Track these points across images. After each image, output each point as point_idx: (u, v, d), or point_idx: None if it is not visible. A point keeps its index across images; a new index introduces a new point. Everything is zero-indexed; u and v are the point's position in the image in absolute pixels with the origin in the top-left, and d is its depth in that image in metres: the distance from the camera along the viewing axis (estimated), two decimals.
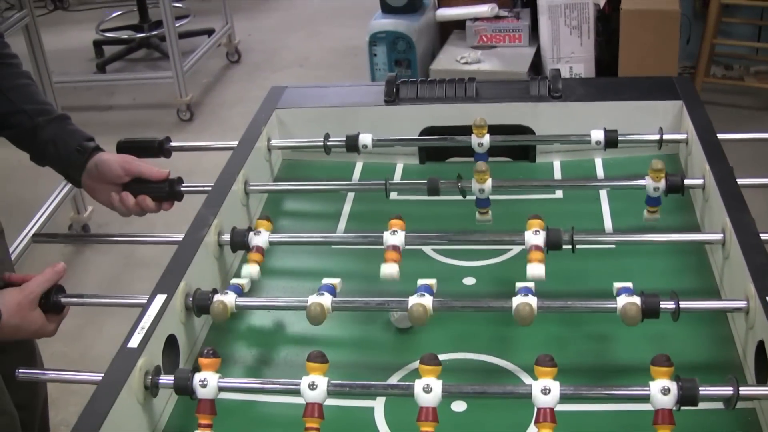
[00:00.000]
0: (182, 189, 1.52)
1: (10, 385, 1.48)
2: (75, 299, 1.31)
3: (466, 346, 1.24)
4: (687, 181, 1.45)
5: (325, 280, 1.22)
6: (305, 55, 5.18)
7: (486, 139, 1.57)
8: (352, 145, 1.62)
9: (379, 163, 1.75)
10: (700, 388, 0.98)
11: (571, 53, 3.65)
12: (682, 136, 1.61)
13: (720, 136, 1.52)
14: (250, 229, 1.39)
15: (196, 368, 1.07)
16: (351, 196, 1.65)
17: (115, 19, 5.63)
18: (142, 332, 1.13)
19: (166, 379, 1.09)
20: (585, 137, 1.58)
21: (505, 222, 1.36)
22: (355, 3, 5.34)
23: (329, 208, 1.63)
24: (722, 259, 1.31)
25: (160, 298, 1.19)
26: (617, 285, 1.17)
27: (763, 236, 1.24)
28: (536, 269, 1.23)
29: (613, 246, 1.42)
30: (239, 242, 1.37)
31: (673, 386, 0.97)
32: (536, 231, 1.28)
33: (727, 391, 1.00)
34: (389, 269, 1.28)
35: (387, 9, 3.81)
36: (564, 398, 0.99)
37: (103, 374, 1.09)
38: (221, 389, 1.06)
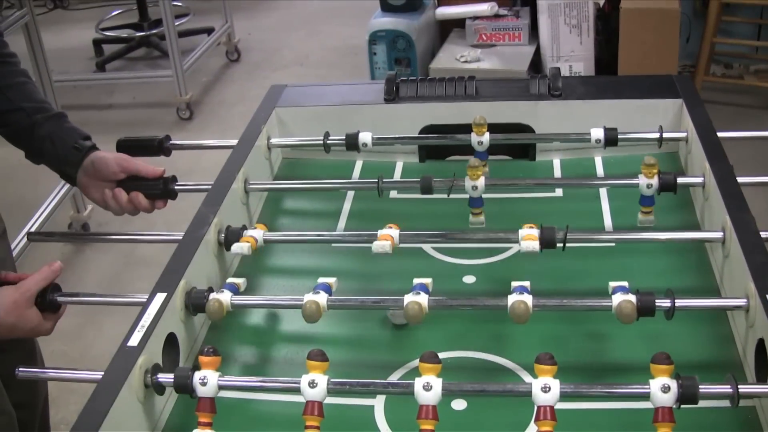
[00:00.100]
0: (182, 188, 1.52)
1: (10, 384, 1.48)
2: (71, 298, 1.30)
3: (466, 344, 1.24)
4: (687, 180, 1.46)
5: (321, 279, 1.22)
6: (305, 53, 5.18)
7: (486, 137, 1.57)
8: (351, 143, 1.62)
9: (379, 161, 1.75)
10: (700, 387, 0.98)
11: (571, 52, 3.65)
12: (682, 135, 1.61)
13: (720, 134, 1.52)
14: (245, 228, 1.39)
15: (196, 367, 1.07)
16: (351, 194, 1.65)
17: (114, 17, 5.63)
18: (142, 331, 1.13)
19: (166, 377, 1.09)
20: (585, 136, 1.58)
21: (504, 220, 1.36)
22: (355, 2, 5.34)
23: (329, 206, 1.63)
24: (722, 258, 1.31)
25: (160, 297, 1.19)
26: (612, 284, 1.17)
27: (764, 235, 1.24)
28: (530, 244, 1.24)
29: (613, 244, 1.42)
30: (234, 241, 1.37)
31: (673, 384, 0.97)
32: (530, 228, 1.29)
33: (727, 389, 1.00)
34: (380, 244, 1.28)
35: (387, 8, 3.81)
36: (564, 396, 0.99)
37: (103, 373, 1.08)
38: (221, 387, 1.06)
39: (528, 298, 1.14)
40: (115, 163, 1.48)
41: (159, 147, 1.66)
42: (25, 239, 2.90)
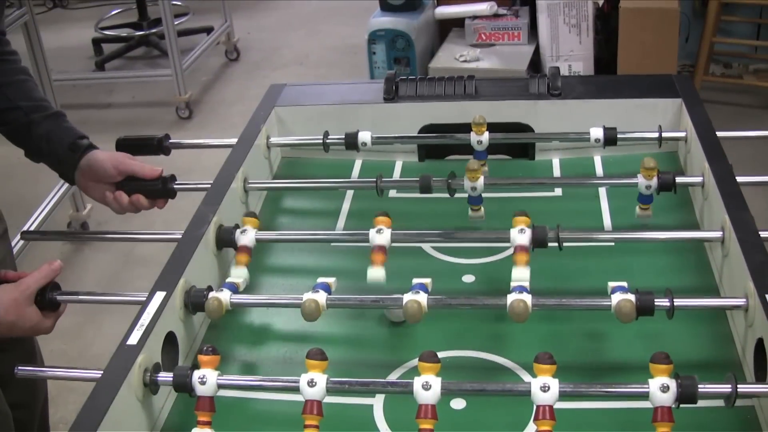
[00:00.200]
0: (181, 187, 1.52)
1: (9, 383, 1.48)
2: (70, 297, 1.30)
3: (465, 343, 1.24)
4: (686, 179, 1.46)
5: (321, 279, 1.22)
6: (305, 53, 5.18)
7: (485, 136, 1.57)
8: (351, 142, 1.62)
9: (378, 161, 1.75)
10: (699, 386, 0.98)
11: (570, 51, 3.65)
12: (682, 134, 1.61)
13: (719, 134, 1.52)
14: (237, 227, 1.39)
15: (196, 365, 1.07)
16: (350, 193, 1.65)
17: (114, 17, 5.62)
18: (141, 329, 1.13)
19: (166, 376, 1.09)
20: (584, 135, 1.58)
21: (503, 220, 1.36)
22: (354, 1, 5.34)
23: (328, 205, 1.63)
24: (721, 257, 1.31)
25: (160, 296, 1.19)
26: (612, 284, 1.17)
27: (763, 234, 1.24)
28: (521, 273, 1.23)
29: (612, 244, 1.42)
30: (226, 240, 1.37)
31: (672, 384, 0.97)
32: (522, 229, 1.28)
33: (726, 388, 1.00)
34: (376, 273, 1.28)
35: (386, 7, 3.81)
36: (563, 396, 0.99)
37: (102, 372, 1.08)
38: (220, 386, 1.06)
39: (527, 297, 1.14)
40: (111, 166, 1.48)
41: (158, 146, 1.66)
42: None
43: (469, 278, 1.40)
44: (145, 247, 3.18)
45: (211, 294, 1.22)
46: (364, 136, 1.62)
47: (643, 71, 3.39)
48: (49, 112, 1.50)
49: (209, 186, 1.49)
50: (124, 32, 5.27)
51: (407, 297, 1.16)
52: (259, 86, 4.09)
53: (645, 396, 0.99)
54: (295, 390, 1.03)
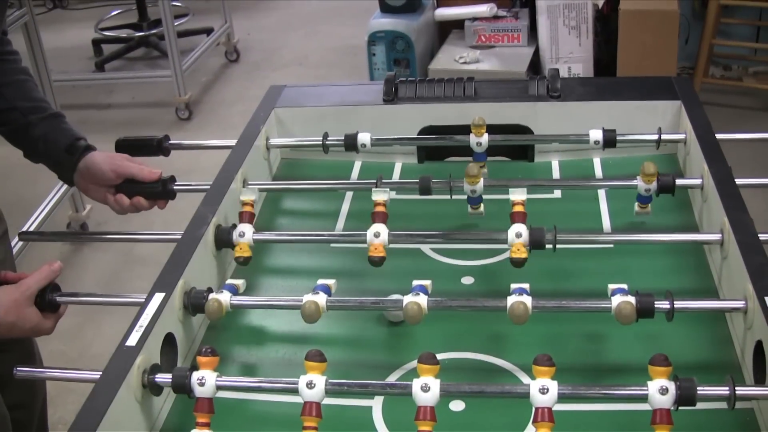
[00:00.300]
0: (181, 188, 1.52)
1: (8, 384, 1.48)
2: (70, 298, 1.30)
3: (464, 345, 1.24)
4: (686, 181, 1.46)
5: (320, 281, 1.22)
6: (304, 54, 5.18)
7: (485, 138, 1.57)
8: (350, 144, 1.62)
9: (377, 162, 1.75)
10: (698, 388, 0.98)
11: (570, 53, 3.65)
12: (681, 136, 1.61)
13: (719, 136, 1.53)
14: (234, 226, 1.39)
15: (195, 366, 1.07)
16: (349, 194, 1.65)
17: (114, 17, 5.62)
18: (140, 330, 1.13)
19: (164, 377, 1.09)
20: (583, 137, 1.58)
21: (503, 221, 1.36)
22: (354, 2, 5.34)
23: (328, 206, 1.63)
24: (720, 259, 1.31)
25: (159, 297, 1.19)
26: (612, 286, 1.17)
27: (762, 236, 1.24)
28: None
29: (611, 246, 1.42)
30: (224, 240, 1.37)
31: (671, 386, 0.97)
32: (518, 233, 1.29)
33: (725, 391, 1.00)
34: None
35: (386, 8, 3.81)
36: (562, 398, 0.99)
37: (101, 372, 1.08)
38: (219, 388, 1.06)
39: (527, 299, 1.14)
40: (109, 169, 1.47)
41: (158, 147, 1.66)
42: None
43: (468, 280, 1.40)
44: (144, 247, 3.18)
45: (211, 295, 1.22)
46: (364, 138, 1.62)
47: (643, 73, 3.38)
48: (47, 113, 1.50)
49: (209, 187, 1.49)
50: (124, 33, 5.27)
51: (407, 299, 1.16)
52: (258, 87, 4.09)
53: (644, 398, 0.99)
54: (294, 392, 1.03)
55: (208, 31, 5.00)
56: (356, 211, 1.60)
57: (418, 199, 1.53)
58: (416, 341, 1.26)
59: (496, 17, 3.78)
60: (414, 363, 1.03)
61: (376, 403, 1.14)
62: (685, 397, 0.98)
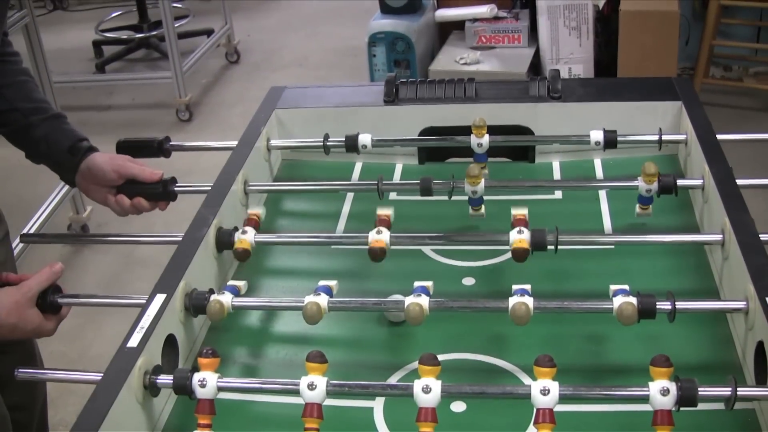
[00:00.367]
0: (181, 189, 1.53)
1: (8, 385, 1.48)
2: (71, 299, 1.30)
3: (465, 346, 1.24)
4: (686, 182, 1.46)
5: (322, 282, 1.22)
6: (304, 55, 5.19)
7: (485, 139, 1.57)
8: (351, 145, 1.62)
9: (378, 163, 1.75)
10: (699, 389, 0.98)
11: (570, 54, 3.65)
12: (682, 137, 1.61)
13: (719, 136, 1.53)
14: (236, 229, 1.39)
15: (196, 368, 1.07)
16: (350, 196, 1.65)
17: (114, 19, 5.63)
18: (141, 332, 1.13)
19: (166, 378, 1.09)
20: (584, 138, 1.58)
21: (503, 222, 1.36)
22: (355, 3, 5.35)
23: (329, 208, 1.63)
24: (722, 260, 1.31)
25: (160, 298, 1.19)
26: (613, 287, 1.17)
27: (763, 237, 1.24)
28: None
29: (612, 246, 1.42)
30: (225, 242, 1.37)
31: (672, 387, 0.97)
32: (520, 230, 1.29)
33: (726, 391, 1.00)
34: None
35: (386, 9, 3.81)
36: (563, 399, 0.99)
37: (102, 374, 1.08)
38: (220, 389, 1.06)
39: (529, 300, 1.14)
40: (111, 170, 1.48)
41: (158, 148, 1.66)
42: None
43: (469, 281, 1.40)
44: (145, 248, 3.17)
45: (213, 297, 1.22)
46: (365, 139, 1.62)
47: (643, 74, 3.39)
48: (48, 114, 1.50)
49: (209, 188, 1.49)
50: (124, 34, 5.27)
51: (409, 300, 1.16)
52: (259, 88, 4.09)
53: (645, 399, 0.99)
54: (296, 393, 1.03)
55: (209, 33, 5.00)
56: (357, 213, 1.60)
57: (418, 201, 1.53)
58: (417, 342, 1.26)
59: (496, 18, 3.79)
60: (415, 364, 1.03)
61: (378, 404, 1.14)
62: (687, 397, 0.98)
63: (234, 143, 1.64)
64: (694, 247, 1.42)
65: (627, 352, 1.21)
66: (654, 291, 1.15)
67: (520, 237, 1.28)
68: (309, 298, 1.18)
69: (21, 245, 2.87)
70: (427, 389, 1.00)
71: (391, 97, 1.75)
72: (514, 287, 1.17)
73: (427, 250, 1.48)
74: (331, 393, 1.03)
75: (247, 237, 1.37)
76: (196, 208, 1.41)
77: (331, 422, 1.04)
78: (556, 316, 1.24)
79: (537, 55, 3.74)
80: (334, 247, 1.50)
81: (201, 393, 1.05)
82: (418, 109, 1.74)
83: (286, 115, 1.78)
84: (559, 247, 1.30)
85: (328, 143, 1.65)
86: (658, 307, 1.13)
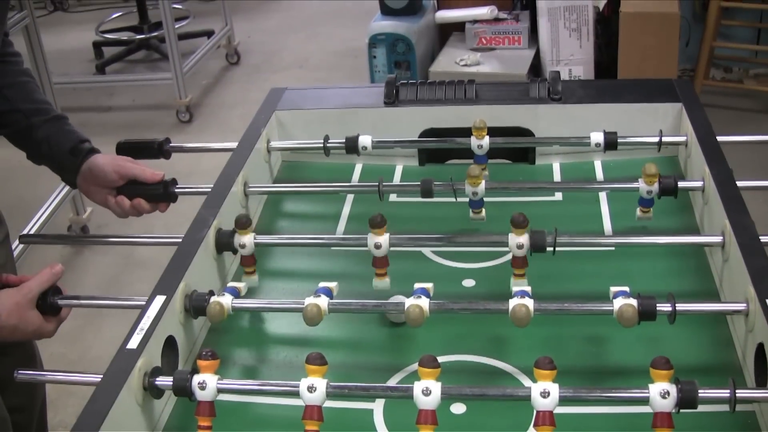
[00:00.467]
0: (181, 190, 1.53)
1: (8, 387, 1.48)
2: (71, 301, 1.30)
3: (465, 347, 1.24)
4: (687, 184, 1.46)
5: (322, 284, 1.22)
6: (305, 56, 5.19)
7: (485, 141, 1.57)
8: (351, 146, 1.62)
9: (378, 164, 1.75)
10: (699, 391, 0.98)
11: (571, 56, 3.65)
12: (682, 139, 1.61)
13: (720, 138, 1.53)
14: (235, 231, 1.39)
15: (195, 369, 1.07)
16: (350, 197, 1.65)
17: (114, 20, 5.64)
18: (141, 333, 1.13)
19: (165, 380, 1.09)
20: (584, 139, 1.58)
21: (504, 224, 1.36)
22: (355, 4, 5.35)
23: (329, 209, 1.63)
24: (722, 262, 1.31)
25: (160, 299, 1.19)
26: (614, 289, 1.17)
27: (763, 239, 1.24)
28: (518, 283, 1.25)
29: (613, 248, 1.42)
30: (225, 243, 1.37)
31: (672, 389, 0.97)
32: (519, 245, 1.28)
33: (726, 393, 1.00)
34: (381, 284, 1.30)
35: (386, 11, 3.81)
36: (563, 401, 0.99)
37: (102, 375, 1.08)
38: (220, 391, 1.06)
39: (529, 302, 1.14)
40: (112, 170, 1.48)
41: (159, 149, 1.66)
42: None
43: (469, 282, 1.40)
44: (144, 249, 3.17)
45: (213, 298, 1.22)
46: (365, 140, 1.62)
47: (644, 75, 3.39)
48: (50, 115, 1.50)
49: (209, 190, 1.49)
50: (124, 35, 5.27)
51: (409, 301, 1.16)
52: (259, 89, 4.10)
53: (645, 401, 0.98)
54: (295, 395, 1.03)
55: (209, 34, 5.00)
56: (357, 214, 1.60)
57: (419, 202, 1.53)
58: (417, 343, 1.26)
59: (496, 20, 3.79)
60: (415, 365, 1.03)
61: (378, 406, 1.14)
62: (687, 400, 0.98)
63: (234, 144, 1.64)
64: (694, 248, 1.42)
65: (627, 354, 1.21)
66: (654, 293, 1.15)
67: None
68: (309, 300, 1.18)
69: (21, 246, 2.87)
70: (427, 391, 0.99)
71: (392, 99, 1.75)
72: (514, 289, 1.17)
73: (427, 251, 1.48)
74: (331, 395, 1.03)
75: (247, 249, 1.37)
76: (196, 210, 1.41)
77: (331, 424, 1.04)
78: (555, 318, 1.24)
79: (537, 57, 3.74)
80: (334, 249, 1.50)
81: (201, 395, 1.05)
82: (419, 111, 1.74)
83: (286, 116, 1.78)
84: (559, 248, 1.29)
85: (328, 145, 1.64)
86: (658, 309, 1.13)
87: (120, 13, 5.72)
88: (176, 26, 4.39)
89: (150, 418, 1.12)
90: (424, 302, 1.15)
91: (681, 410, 0.98)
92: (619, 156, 1.65)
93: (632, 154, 1.65)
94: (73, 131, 1.51)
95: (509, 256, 1.31)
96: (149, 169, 1.50)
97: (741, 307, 1.15)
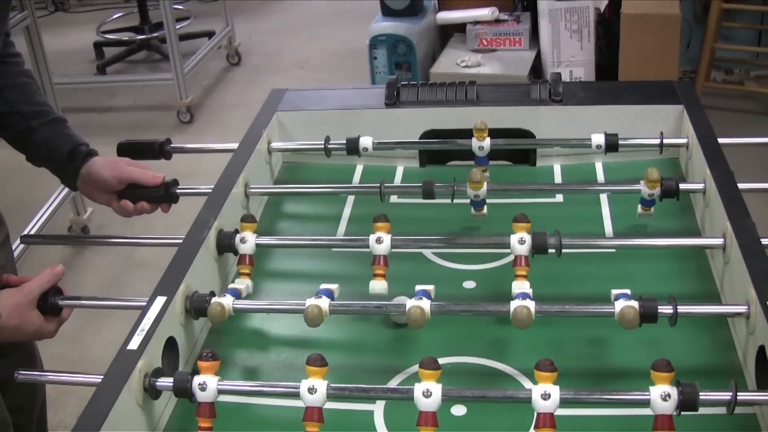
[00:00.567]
0: (182, 191, 1.53)
1: (8, 388, 1.48)
2: (72, 301, 1.30)
3: (466, 349, 1.24)
4: (688, 186, 1.46)
5: (323, 286, 1.22)
6: (305, 57, 5.19)
7: (486, 142, 1.57)
8: (352, 147, 1.62)
9: (379, 166, 1.75)
10: (700, 394, 0.98)
11: (572, 57, 3.65)
12: (683, 141, 1.61)
13: (721, 140, 1.52)
14: (237, 232, 1.39)
15: (196, 370, 1.07)
16: (351, 198, 1.65)
17: (115, 20, 5.64)
18: (142, 334, 1.13)
19: (166, 381, 1.09)
20: (585, 141, 1.58)
21: (504, 226, 1.36)
22: (356, 5, 5.35)
23: (329, 210, 1.63)
24: (723, 264, 1.31)
25: (160, 300, 1.19)
26: (615, 291, 1.17)
27: (764, 241, 1.24)
28: (520, 285, 1.24)
29: (614, 250, 1.42)
30: (226, 244, 1.37)
31: (673, 392, 0.97)
32: (522, 240, 1.28)
33: (727, 396, 1.00)
34: (378, 286, 1.29)
35: (387, 12, 3.81)
36: (564, 403, 0.99)
37: (102, 376, 1.08)
38: (220, 392, 1.06)
39: (531, 304, 1.14)
40: (111, 176, 1.48)
41: (159, 150, 1.66)
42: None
43: (470, 284, 1.40)
44: (145, 250, 3.18)
45: (214, 299, 1.22)
46: (366, 141, 1.62)
47: (645, 77, 3.39)
48: (48, 118, 1.50)
49: (210, 191, 1.49)
50: (125, 36, 5.27)
51: (410, 302, 1.16)
52: (260, 90, 4.10)
53: (646, 404, 0.98)
54: (296, 396, 1.03)
55: (210, 35, 5.00)
56: (358, 215, 1.60)
57: (419, 203, 1.52)
58: (418, 345, 1.26)
59: (497, 21, 3.79)
60: (416, 367, 1.03)
61: (378, 408, 1.14)
62: (687, 402, 0.97)
63: (235, 145, 1.64)
64: (695, 250, 1.42)
65: (628, 356, 1.21)
66: (655, 294, 1.15)
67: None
68: (310, 301, 1.18)
69: (22, 247, 2.87)
70: (428, 393, 0.99)
71: (392, 100, 1.75)
72: (516, 291, 1.17)
73: (427, 253, 1.47)
74: (331, 396, 1.03)
75: (248, 248, 1.37)
76: (197, 211, 1.41)
77: (331, 425, 1.03)
78: (556, 319, 1.24)
79: (538, 58, 3.74)
80: (334, 250, 1.50)
81: (201, 396, 1.05)
82: (419, 112, 1.74)
83: (287, 117, 1.78)
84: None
85: (329, 146, 1.64)
86: (659, 311, 1.13)
87: (121, 14, 5.72)
88: (177, 27, 4.39)
89: (150, 419, 1.12)
90: (426, 303, 1.15)
91: (682, 413, 0.98)
92: (620, 158, 1.65)
93: (633, 156, 1.65)
94: (71, 134, 1.51)
95: (510, 258, 1.31)
96: (150, 172, 1.50)
97: (742, 309, 1.15)
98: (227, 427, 1.10)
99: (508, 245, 1.30)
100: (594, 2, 3.62)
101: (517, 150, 1.75)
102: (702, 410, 0.99)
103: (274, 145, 1.71)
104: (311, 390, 1.02)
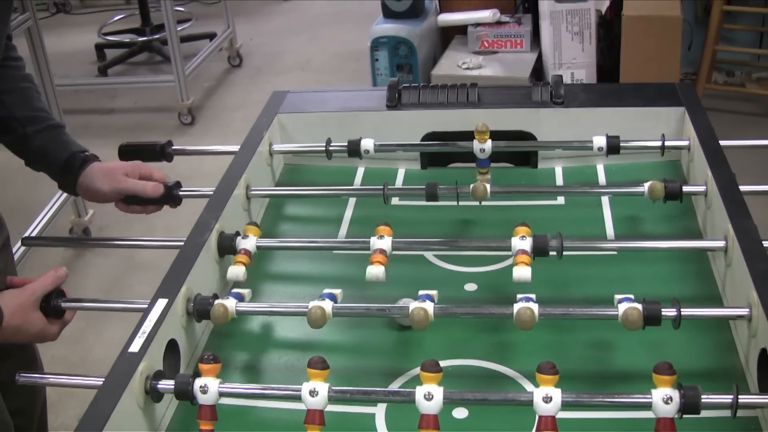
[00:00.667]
0: (183, 193, 1.53)
1: (9, 390, 1.48)
2: (74, 303, 1.30)
3: (468, 352, 1.24)
4: (689, 188, 1.46)
5: (327, 290, 1.22)
6: (307, 59, 5.19)
7: (488, 144, 1.57)
8: (353, 150, 1.62)
9: (381, 168, 1.75)
10: (702, 396, 0.98)
11: (573, 59, 3.65)
12: (685, 143, 1.61)
13: (722, 142, 1.52)
14: (237, 234, 1.38)
15: (197, 373, 1.07)
16: (353, 201, 1.65)
17: (117, 22, 5.63)
18: (143, 337, 1.13)
19: (167, 383, 1.09)
20: (587, 143, 1.58)
21: (505, 228, 1.36)
22: (357, 7, 5.35)
23: (331, 212, 1.62)
24: (724, 266, 1.31)
25: (162, 303, 1.19)
26: (618, 296, 1.17)
27: (766, 243, 1.24)
28: (521, 272, 1.24)
29: (615, 252, 1.42)
30: (227, 247, 1.37)
31: (675, 395, 0.97)
32: (523, 237, 1.29)
33: (729, 399, 1.00)
34: (375, 270, 1.28)
35: (389, 14, 3.81)
36: (565, 405, 0.98)
37: (103, 378, 1.08)
38: (222, 394, 1.06)
39: (534, 306, 1.14)
40: (109, 189, 1.46)
41: (161, 152, 1.66)
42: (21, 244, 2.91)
43: (471, 287, 1.39)
44: (146, 252, 3.17)
45: (217, 301, 1.22)
46: (367, 144, 1.62)
47: (646, 79, 3.38)
48: (45, 124, 1.49)
49: (212, 193, 1.49)
50: (126, 38, 5.27)
51: (413, 304, 1.15)
52: (261, 92, 4.10)
53: (648, 406, 0.98)
54: (297, 399, 1.03)
55: (211, 36, 5.00)
56: (359, 218, 1.60)
57: (421, 206, 1.52)
58: (420, 348, 1.26)
59: (498, 23, 3.79)
60: (417, 370, 1.03)
61: (380, 410, 1.14)
62: (689, 405, 0.97)
63: (236, 147, 1.64)
64: (696, 253, 1.42)
65: (629, 359, 1.20)
66: (656, 297, 1.15)
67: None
68: (313, 303, 1.18)
69: (23, 249, 2.87)
70: (429, 396, 0.99)
71: (394, 102, 1.75)
72: (519, 296, 1.17)
73: (428, 255, 1.47)
74: (332, 399, 1.02)
75: (249, 246, 1.37)
76: (198, 213, 1.41)
77: (333, 428, 1.03)
78: (558, 322, 1.24)
79: (539, 60, 3.74)
80: (336, 252, 1.50)
81: (202, 399, 1.05)
82: (421, 114, 1.74)
83: (288, 119, 1.78)
84: (562, 252, 1.29)
85: (330, 148, 1.64)
86: (663, 313, 1.13)
87: (122, 16, 5.72)
88: (178, 29, 4.39)
89: (151, 421, 1.12)
90: (429, 305, 1.15)
91: (684, 416, 0.98)
92: (621, 160, 1.64)
93: (635, 158, 1.65)
94: (69, 141, 1.50)
95: (511, 261, 1.31)
96: (149, 184, 1.48)
97: (744, 312, 1.15)
98: (229, 429, 1.10)
99: (509, 248, 1.29)
100: (595, 4, 3.61)
101: (519, 152, 1.75)
102: (704, 413, 0.99)
103: (276, 147, 1.71)
104: (313, 393, 1.01)
